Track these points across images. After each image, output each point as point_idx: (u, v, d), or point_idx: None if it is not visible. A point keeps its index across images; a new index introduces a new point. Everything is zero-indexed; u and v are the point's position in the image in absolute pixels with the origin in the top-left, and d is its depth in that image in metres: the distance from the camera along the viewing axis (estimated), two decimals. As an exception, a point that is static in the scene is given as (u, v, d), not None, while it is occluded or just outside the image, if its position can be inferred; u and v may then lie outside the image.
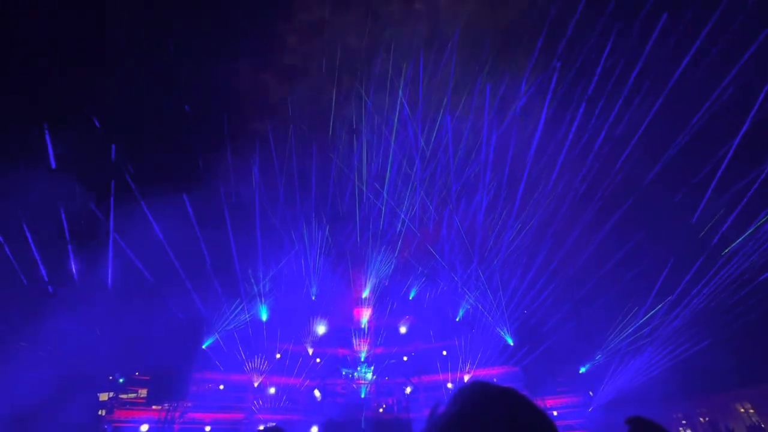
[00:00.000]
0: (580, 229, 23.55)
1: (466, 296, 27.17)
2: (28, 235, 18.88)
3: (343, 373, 24.29)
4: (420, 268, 28.40)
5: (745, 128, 20.63)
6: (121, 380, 23.38)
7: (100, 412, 21.22)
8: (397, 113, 27.79)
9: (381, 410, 23.60)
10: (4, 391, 14.81)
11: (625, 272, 22.83)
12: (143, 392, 23.57)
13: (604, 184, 23.31)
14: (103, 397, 23.39)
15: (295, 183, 27.35)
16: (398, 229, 28.40)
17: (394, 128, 27.64)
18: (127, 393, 23.41)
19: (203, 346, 22.91)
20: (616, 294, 22.75)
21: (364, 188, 28.45)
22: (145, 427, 20.64)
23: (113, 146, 22.02)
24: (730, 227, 20.97)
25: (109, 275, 21.65)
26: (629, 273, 22.67)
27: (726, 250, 20.46)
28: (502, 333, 25.17)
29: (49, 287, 19.87)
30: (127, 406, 22.31)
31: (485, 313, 26.09)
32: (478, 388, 0.83)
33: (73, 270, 21.10)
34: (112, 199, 21.69)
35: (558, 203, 24.20)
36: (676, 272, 21.20)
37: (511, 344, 24.74)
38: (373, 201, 28.44)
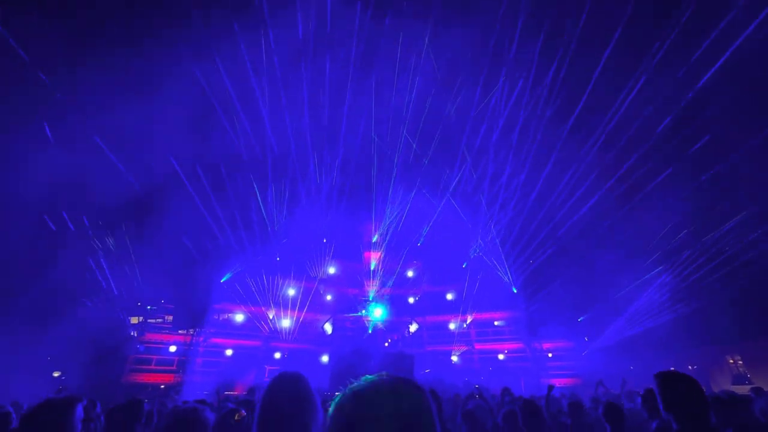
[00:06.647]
0: (591, 180, 23.03)
1: (475, 245, 27.67)
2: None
3: (360, 313, 25.77)
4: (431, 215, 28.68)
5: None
6: (149, 307, 25.42)
7: (132, 333, 23.38)
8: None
9: (386, 344, 25.39)
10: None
11: (631, 226, 22.73)
12: (169, 318, 25.74)
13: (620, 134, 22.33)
14: (134, 320, 25.56)
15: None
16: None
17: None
18: (154, 318, 25.57)
19: (222, 280, 24.37)
20: (619, 248, 22.88)
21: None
22: (173, 348, 22.96)
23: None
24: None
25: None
26: (634, 226, 22.58)
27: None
28: (507, 280, 26.01)
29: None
30: (155, 330, 24.52)
31: (492, 262, 26.74)
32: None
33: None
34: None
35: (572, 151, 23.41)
36: (684, 226, 21.09)
37: (515, 292, 25.67)
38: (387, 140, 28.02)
